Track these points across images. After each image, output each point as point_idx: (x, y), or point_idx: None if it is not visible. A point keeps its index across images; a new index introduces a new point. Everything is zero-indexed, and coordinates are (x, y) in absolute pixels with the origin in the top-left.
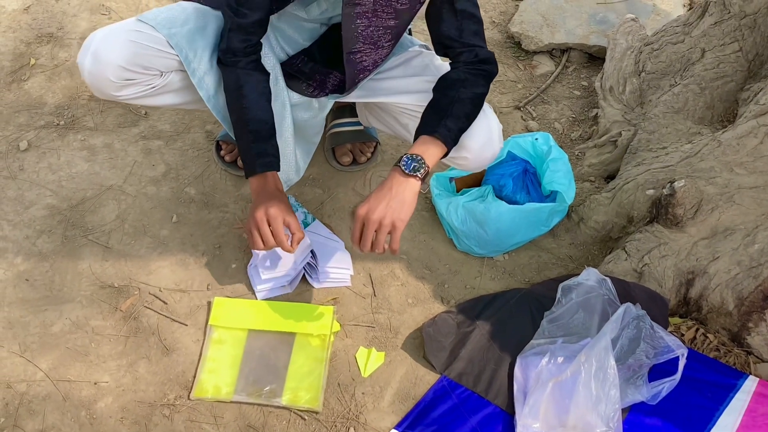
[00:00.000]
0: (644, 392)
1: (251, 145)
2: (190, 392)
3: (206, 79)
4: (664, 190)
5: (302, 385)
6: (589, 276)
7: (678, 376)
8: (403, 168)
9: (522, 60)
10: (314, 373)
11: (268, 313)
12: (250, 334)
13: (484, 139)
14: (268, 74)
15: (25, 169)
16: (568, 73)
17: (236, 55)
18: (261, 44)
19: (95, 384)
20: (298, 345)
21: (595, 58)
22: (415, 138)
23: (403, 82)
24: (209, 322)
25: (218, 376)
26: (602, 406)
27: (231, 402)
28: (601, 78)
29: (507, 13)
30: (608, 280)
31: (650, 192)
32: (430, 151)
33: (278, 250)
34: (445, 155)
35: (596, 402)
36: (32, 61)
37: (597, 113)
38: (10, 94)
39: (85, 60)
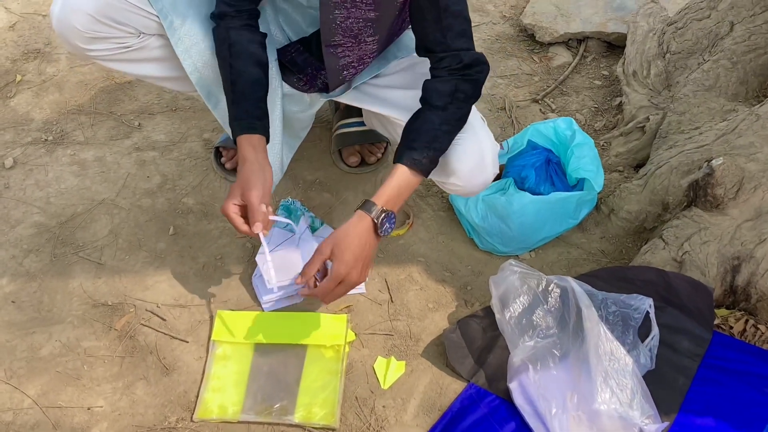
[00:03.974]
0: (642, 360)
1: (231, 106)
2: (193, 413)
3: (193, 50)
4: (700, 171)
5: (316, 401)
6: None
7: (656, 329)
8: (378, 228)
9: (537, 53)
10: (329, 386)
11: (275, 325)
12: (257, 349)
13: (474, 162)
14: (262, 35)
15: (11, 187)
16: (586, 63)
17: (225, 18)
18: (256, 11)
19: (89, 409)
20: (310, 358)
21: (614, 46)
22: (395, 160)
23: (402, 94)
24: (212, 338)
25: (223, 394)
26: (631, 396)
27: (238, 422)
28: (623, 63)
29: (518, 6)
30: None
31: (685, 168)
32: (405, 190)
33: (286, 256)
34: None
35: (625, 398)
36: (18, 78)
37: (621, 101)
38: None
39: (54, 7)
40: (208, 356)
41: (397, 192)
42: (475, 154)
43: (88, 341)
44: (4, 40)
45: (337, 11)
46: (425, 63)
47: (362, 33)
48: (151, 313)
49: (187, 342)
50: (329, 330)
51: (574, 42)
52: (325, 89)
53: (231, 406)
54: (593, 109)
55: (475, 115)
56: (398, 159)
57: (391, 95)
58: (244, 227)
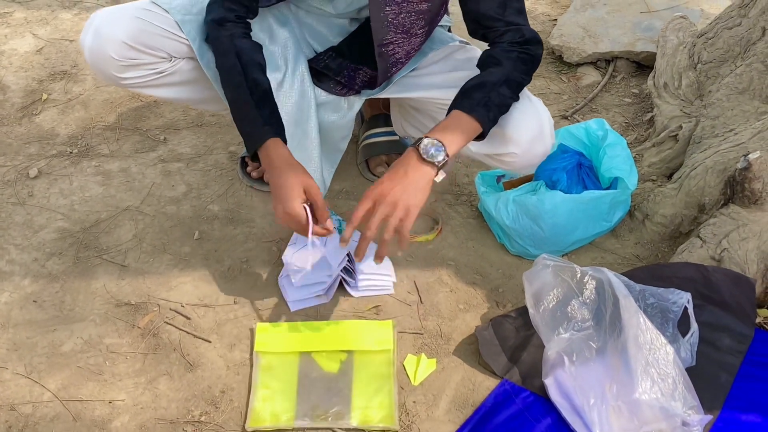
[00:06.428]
0: (683, 354)
1: (254, 111)
2: (245, 423)
3: None
4: (737, 165)
5: (372, 404)
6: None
7: (695, 325)
8: (421, 153)
9: (565, 73)
10: (383, 389)
11: (319, 334)
12: (303, 357)
13: (535, 131)
14: (260, 45)
15: (35, 195)
16: (616, 83)
17: (226, 25)
18: (250, 23)
19: (110, 403)
20: (359, 363)
21: (643, 67)
22: (449, 109)
23: (444, 77)
24: (255, 350)
25: (274, 403)
26: (673, 387)
27: (293, 429)
28: (654, 77)
29: (544, 31)
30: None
31: (720, 167)
32: (458, 131)
33: (311, 251)
34: (480, 138)
35: (666, 388)
36: (44, 96)
37: (652, 116)
38: (20, 128)
39: (86, 36)
40: (253, 368)
41: (448, 128)
42: (534, 122)
43: (110, 338)
44: (30, 63)
45: (388, 8)
46: (462, 51)
47: (414, 26)
48: (175, 312)
49: (210, 342)
50: (375, 335)
51: (603, 63)
52: (365, 87)
53: (284, 413)
54: (624, 124)
55: (530, 92)
56: (453, 107)
57: (433, 79)
58: (316, 227)
